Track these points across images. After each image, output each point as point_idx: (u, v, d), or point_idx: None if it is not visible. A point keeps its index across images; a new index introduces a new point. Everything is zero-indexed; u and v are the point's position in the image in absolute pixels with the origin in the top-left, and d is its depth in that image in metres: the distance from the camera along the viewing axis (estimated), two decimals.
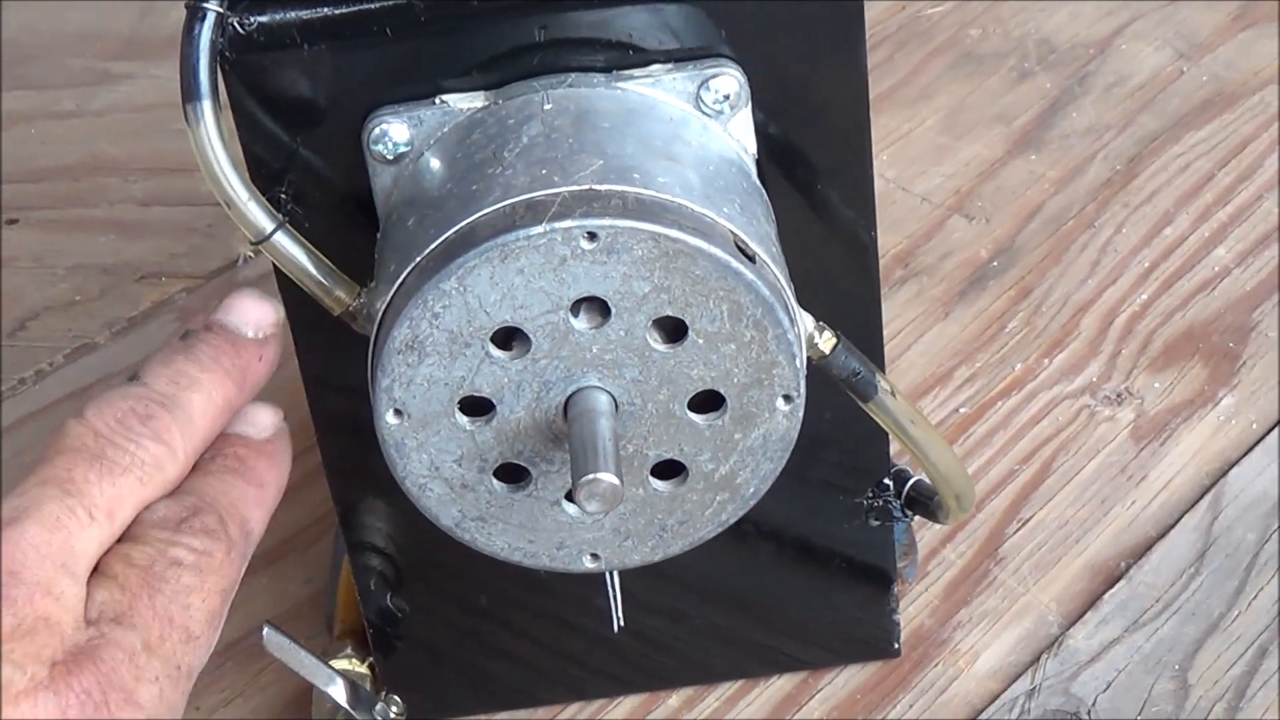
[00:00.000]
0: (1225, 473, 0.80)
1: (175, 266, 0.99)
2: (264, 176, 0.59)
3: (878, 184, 0.96)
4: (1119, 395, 0.84)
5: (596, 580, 0.67)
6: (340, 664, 0.72)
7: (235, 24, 0.57)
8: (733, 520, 0.59)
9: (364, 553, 0.70)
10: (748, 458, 0.58)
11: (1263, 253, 0.92)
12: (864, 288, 0.65)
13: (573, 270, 0.54)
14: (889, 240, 0.95)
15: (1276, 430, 0.82)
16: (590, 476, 0.53)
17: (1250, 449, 0.81)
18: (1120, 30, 1.09)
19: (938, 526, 0.78)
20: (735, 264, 0.54)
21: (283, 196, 0.60)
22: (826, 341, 0.59)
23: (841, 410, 0.63)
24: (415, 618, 0.71)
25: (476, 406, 0.57)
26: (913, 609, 0.76)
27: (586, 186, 0.54)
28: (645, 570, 0.63)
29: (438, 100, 0.59)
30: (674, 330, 0.55)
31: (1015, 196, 0.97)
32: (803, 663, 0.73)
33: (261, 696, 0.76)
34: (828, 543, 0.71)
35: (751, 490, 0.58)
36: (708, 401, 0.57)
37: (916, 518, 0.72)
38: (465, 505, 0.58)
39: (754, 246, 0.55)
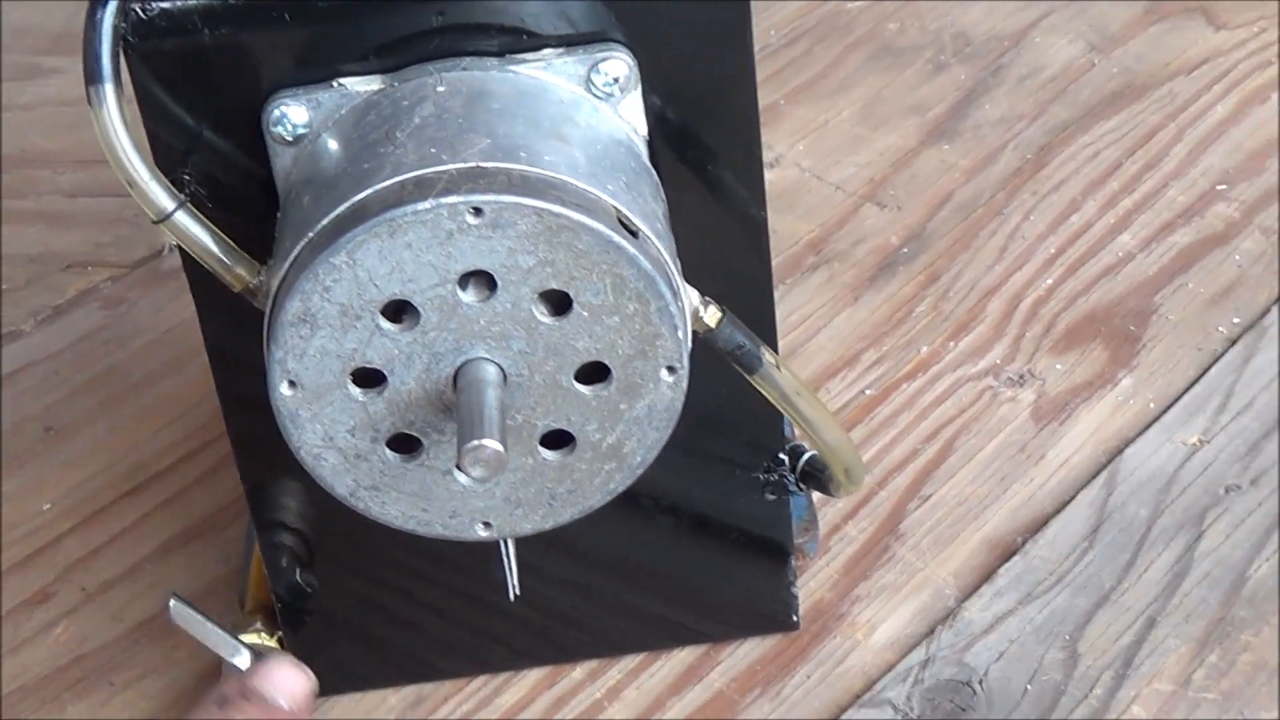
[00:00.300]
0: (1121, 451, 0.82)
1: (101, 256, 1.00)
2: (168, 158, 0.61)
3: (793, 174, 0.99)
4: (1021, 377, 0.86)
5: (499, 554, 0.69)
6: (249, 638, 0.73)
7: (138, 9, 0.59)
8: (621, 489, 0.61)
9: (273, 530, 0.72)
10: (634, 428, 0.59)
11: (1166, 238, 0.94)
12: (756, 265, 0.66)
13: (459, 244, 0.56)
14: (802, 228, 0.97)
15: (1173, 409, 0.84)
16: (474, 443, 0.55)
17: (1146, 428, 0.83)
18: (1035, 24, 1.11)
19: (841, 503, 0.80)
20: (617, 239, 0.56)
21: (186, 178, 0.62)
22: (712, 315, 0.61)
23: (737, 386, 0.65)
24: (324, 593, 0.72)
25: (368, 378, 0.58)
26: (814, 583, 0.77)
27: (473, 164, 0.56)
28: (549, 544, 0.65)
29: (335, 84, 0.60)
30: (559, 303, 0.57)
31: (927, 185, 0.99)
32: (704, 635, 0.75)
33: (175, 672, 0.78)
34: (726, 517, 0.72)
35: (638, 459, 0.60)
36: (594, 373, 0.58)
37: (818, 496, 0.74)
38: (359, 475, 0.60)
39: (638, 222, 0.57)
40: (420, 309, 0.57)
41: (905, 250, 0.95)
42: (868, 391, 0.86)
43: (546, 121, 0.59)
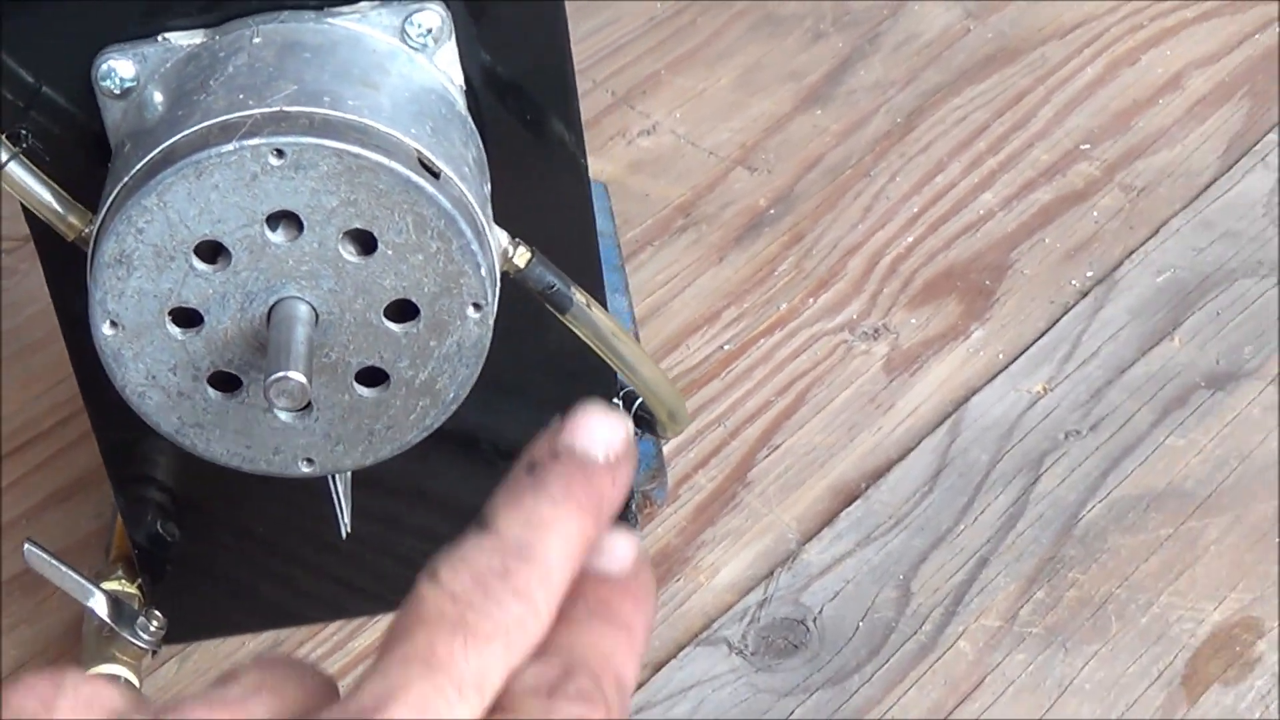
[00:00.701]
0: (967, 400, 0.84)
1: None
2: (10, 114, 0.63)
3: (668, 140, 1.01)
4: (876, 331, 0.88)
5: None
6: (110, 584, 0.75)
7: None
8: (436, 424, 0.63)
9: (132, 484, 0.74)
10: (444, 364, 0.61)
11: (1027, 196, 0.96)
12: (578, 209, 0.68)
13: (264, 186, 0.58)
14: (672, 192, 0.99)
15: (1020, 359, 0.86)
16: (279, 374, 0.57)
17: (993, 377, 0.85)
18: None
19: (692, 453, 0.82)
20: (415, 178, 0.58)
21: (23, 132, 0.64)
22: (521, 256, 0.63)
23: (568, 330, 0.67)
24: (183, 541, 0.75)
25: (187, 317, 0.60)
26: (661, 530, 0.80)
27: (277, 109, 0.58)
28: (400, 490, 0.67)
29: (161, 38, 0.62)
30: (365, 243, 0.59)
31: (798, 149, 1.01)
32: None
33: (44, 622, 0.80)
34: None
35: (451, 395, 0.62)
36: (403, 311, 0.61)
37: (670, 447, 0.76)
38: (183, 412, 0.62)
39: (440, 164, 0.59)
40: (231, 249, 0.59)
41: (772, 212, 0.97)
42: (726, 347, 0.89)
43: (356, 70, 0.61)
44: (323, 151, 0.57)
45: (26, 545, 0.70)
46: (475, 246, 0.59)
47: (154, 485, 0.74)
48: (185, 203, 0.58)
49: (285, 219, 0.59)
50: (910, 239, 0.94)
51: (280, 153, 0.57)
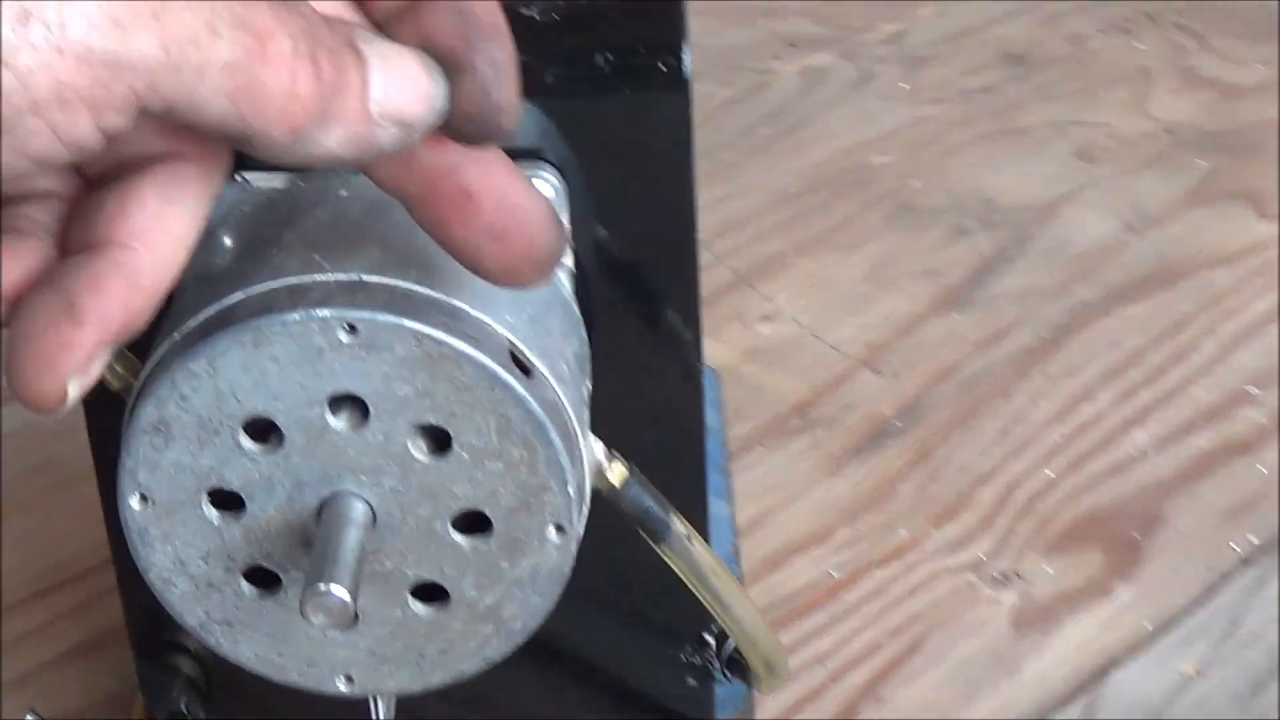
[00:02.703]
0: (1107, 672, 0.74)
1: None
2: None
3: (790, 330, 0.92)
4: (1005, 575, 0.79)
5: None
6: None
7: None
8: (499, 657, 0.53)
9: (158, 653, 0.65)
10: (515, 589, 0.52)
11: (1184, 439, 0.86)
12: (688, 414, 0.60)
13: (330, 363, 0.49)
14: (789, 388, 0.90)
15: (1171, 632, 0.76)
16: (321, 587, 0.48)
17: (1139, 649, 0.75)
18: (1070, 195, 1.05)
19: (784, 696, 0.72)
20: (504, 375, 0.49)
21: None
22: (617, 473, 0.54)
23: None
24: None
25: (227, 500, 0.51)
26: None
27: (355, 276, 0.50)
28: (453, 697, 0.58)
29: (239, 177, 0.54)
30: (439, 440, 0.50)
31: (931, 355, 0.92)
32: None
33: None
34: (645, 689, 0.65)
35: (519, 625, 0.53)
36: (474, 523, 0.51)
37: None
38: (211, 606, 0.53)
39: (534, 359, 0.50)
40: (285, 430, 0.50)
41: (898, 422, 0.87)
42: (834, 573, 0.79)
43: None
44: (400, 332, 0.48)
45: (28, 716, 0.62)
46: (564, 460, 0.50)
47: (183, 656, 0.66)
48: (239, 372, 0.49)
49: (350, 403, 0.50)
50: (1050, 472, 0.84)
51: (352, 328, 0.48)
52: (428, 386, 0.49)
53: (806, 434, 0.87)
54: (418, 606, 0.52)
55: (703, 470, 0.60)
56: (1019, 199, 1.04)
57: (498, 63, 0.44)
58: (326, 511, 0.51)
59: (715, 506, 0.79)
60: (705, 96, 1.18)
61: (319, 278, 0.49)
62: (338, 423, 0.50)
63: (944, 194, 1.05)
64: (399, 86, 0.43)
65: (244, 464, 0.50)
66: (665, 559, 0.55)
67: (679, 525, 0.54)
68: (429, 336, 0.48)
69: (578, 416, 0.52)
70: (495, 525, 0.51)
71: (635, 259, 0.57)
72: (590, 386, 0.56)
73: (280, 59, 0.39)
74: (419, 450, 0.50)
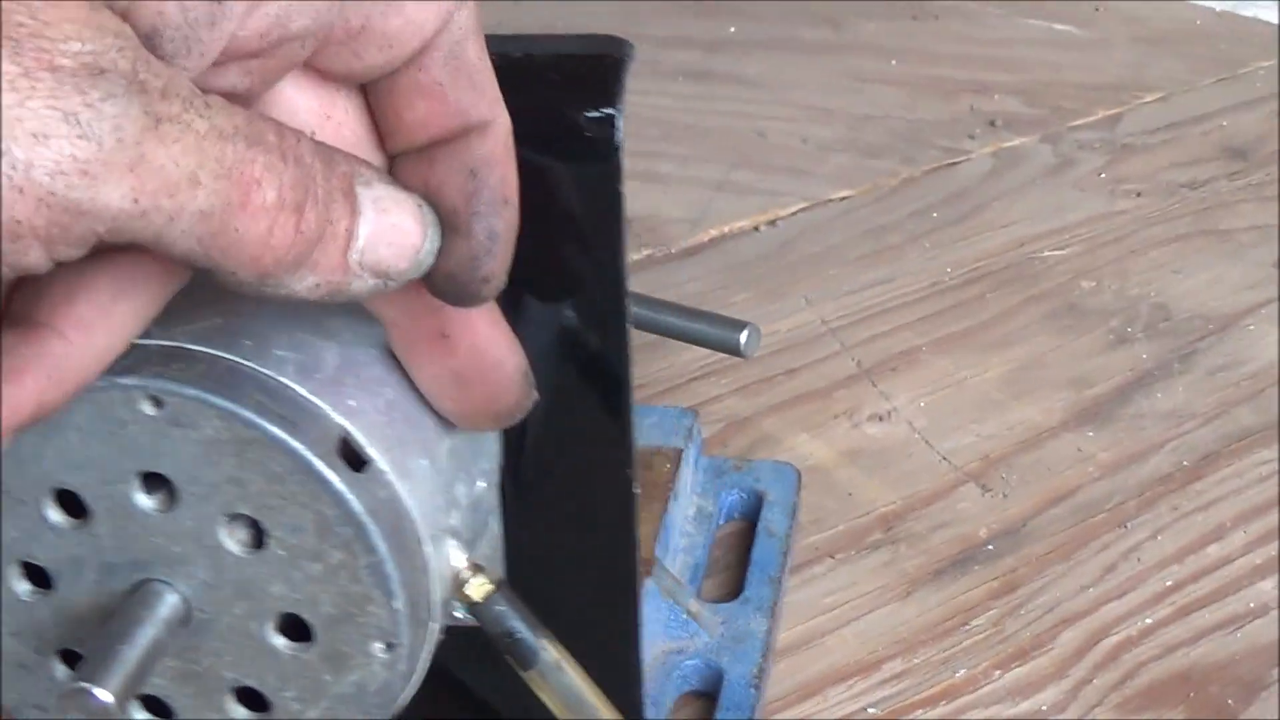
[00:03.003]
0: None
1: None
2: None
3: (900, 432, 0.84)
4: None
5: None
6: None
7: None
8: None
9: None
10: (340, 707, 0.46)
11: None
12: (621, 524, 0.53)
13: (134, 438, 0.43)
14: (881, 497, 0.82)
15: None
16: (82, 685, 0.42)
17: None
18: (1256, 309, 0.95)
19: None
20: (319, 467, 0.43)
21: None
22: (478, 588, 0.47)
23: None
24: None
25: (37, 576, 0.46)
26: None
27: (177, 344, 0.44)
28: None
29: None
30: (256, 534, 0.44)
31: (1050, 475, 0.83)
32: None
33: None
34: None
35: None
36: (295, 629, 0.46)
37: None
38: (25, 689, 0.48)
39: (373, 452, 0.44)
40: (91, 506, 0.45)
41: (990, 547, 0.79)
42: (871, 710, 0.70)
43: (321, 314, 0.46)
44: (205, 410, 0.43)
45: None
46: (391, 569, 0.44)
47: None
48: (40, 439, 0.44)
49: (161, 483, 0.44)
50: (1149, 619, 0.74)
51: (158, 402, 0.43)
52: (238, 473, 0.43)
53: (885, 549, 0.78)
54: (238, 712, 0.46)
55: (635, 603, 0.53)
56: (1198, 308, 0.95)
57: (495, 234, 0.43)
58: (128, 600, 0.45)
59: (753, 621, 0.72)
60: (883, 174, 1.11)
61: (140, 340, 0.44)
62: (146, 503, 0.44)
63: (1115, 296, 0.96)
64: (386, 239, 0.41)
65: (51, 539, 0.45)
66: (534, 690, 0.48)
67: (551, 651, 0.47)
68: (238, 417, 0.43)
69: (431, 520, 0.45)
70: (316, 634, 0.45)
71: (563, 332, 0.50)
72: (486, 484, 0.49)
73: (260, 210, 0.38)
74: (233, 542, 0.44)
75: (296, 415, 0.43)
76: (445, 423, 0.47)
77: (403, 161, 0.43)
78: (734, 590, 0.75)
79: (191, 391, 0.43)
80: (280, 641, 0.45)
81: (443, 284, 0.43)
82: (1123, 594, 0.76)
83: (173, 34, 0.37)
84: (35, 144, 0.34)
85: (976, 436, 0.85)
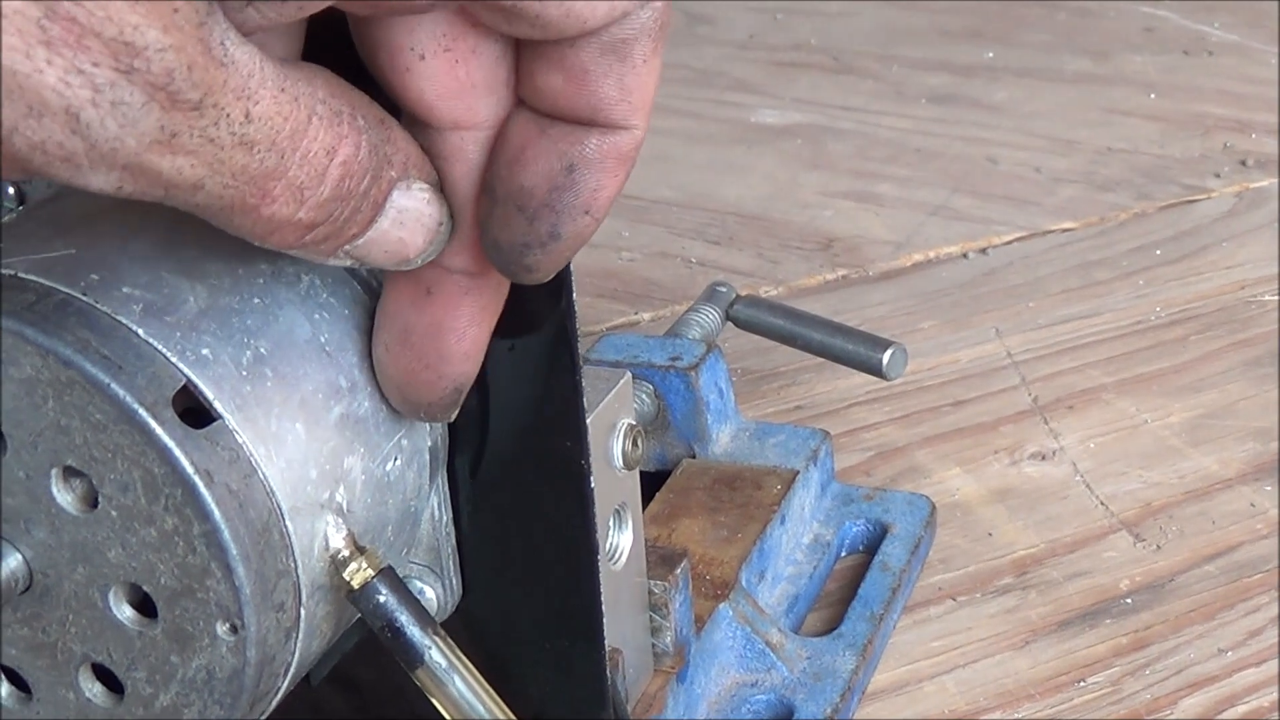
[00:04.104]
0: None
1: None
2: None
3: (1061, 473, 0.78)
4: None
5: None
6: None
7: None
8: None
9: None
10: (191, 693, 0.42)
11: None
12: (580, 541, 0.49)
13: None
14: (1022, 540, 0.75)
15: None
16: None
17: None
18: None
19: None
20: (144, 415, 0.39)
21: None
22: (356, 573, 0.43)
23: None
24: None
25: None
26: None
27: (11, 272, 0.41)
28: None
29: None
30: (89, 492, 0.41)
31: (1212, 530, 0.75)
32: None
33: None
34: None
35: None
36: (142, 602, 0.42)
37: None
38: None
39: (218, 407, 0.40)
40: None
41: (1129, 600, 0.71)
42: None
43: (196, 252, 0.43)
44: (22, 346, 0.39)
45: None
46: (227, 539, 0.40)
47: None
48: None
49: None
50: None
51: None
52: (60, 419, 0.40)
53: (1014, 595, 0.72)
54: (91, 690, 0.43)
55: (593, 591, 0.49)
56: None
57: (558, 235, 0.40)
58: None
59: (840, 659, 0.66)
60: (1112, 208, 1.03)
61: None
62: None
63: None
64: (385, 246, 0.39)
65: None
66: (425, 694, 0.43)
67: (440, 654, 0.43)
68: (56, 354, 0.39)
69: (298, 492, 0.41)
70: (159, 608, 0.41)
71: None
72: (403, 465, 0.45)
73: (266, 218, 0.36)
74: (67, 498, 0.41)
75: (126, 358, 0.40)
76: (352, 391, 0.43)
77: (521, 113, 0.39)
78: (836, 627, 0.69)
79: (10, 324, 0.39)
80: (125, 614, 0.42)
81: (488, 248, 0.40)
82: (1262, 661, 0.68)
83: None
84: (28, 116, 0.32)
85: (1142, 483, 0.78)
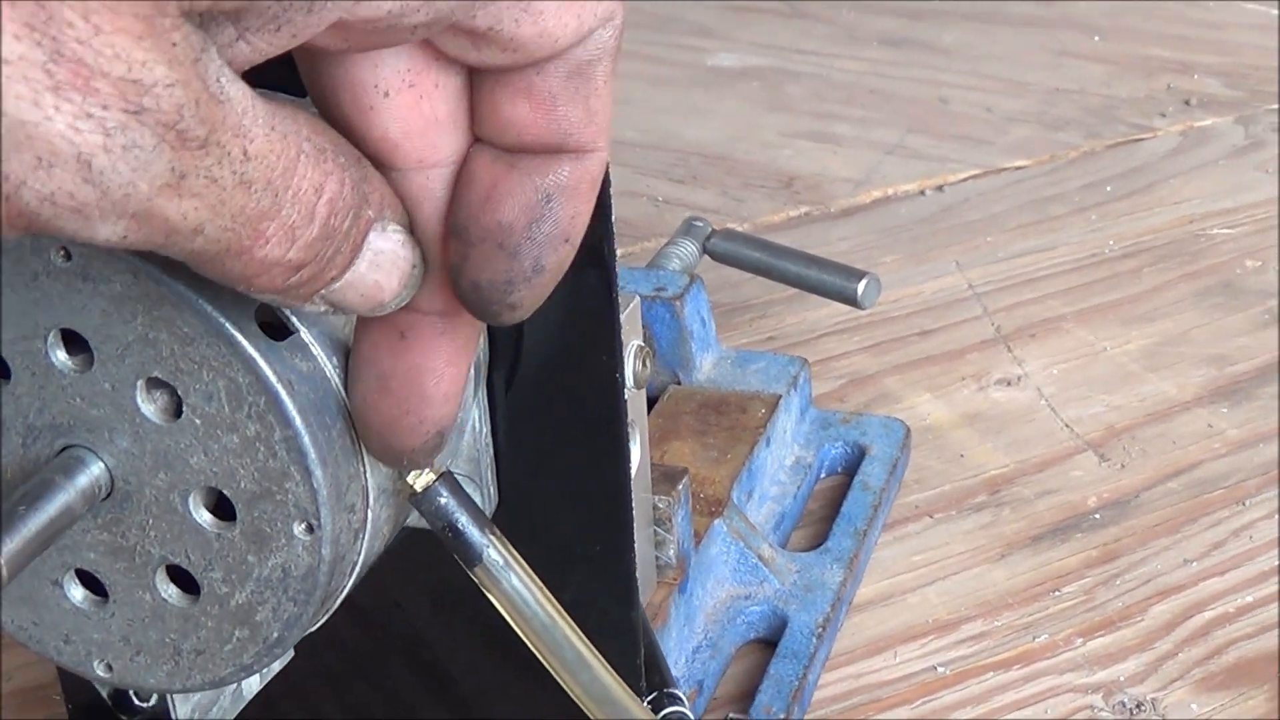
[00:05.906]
0: None
1: None
2: None
3: (1026, 398, 0.81)
4: (1139, 705, 0.66)
5: None
6: None
7: None
8: (257, 666, 0.46)
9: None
10: (266, 591, 0.45)
11: None
12: (611, 449, 0.51)
13: (46, 291, 0.43)
14: (993, 460, 0.79)
15: None
16: None
17: None
18: None
19: None
20: (230, 329, 0.42)
21: None
22: (418, 477, 0.46)
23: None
24: None
25: None
26: None
27: None
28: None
29: None
30: (174, 400, 0.44)
31: (1173, 449, 0.79)
32: None
33: None
34: None
35: (275, 635, 0.46)
36: (217, 505, 0.45)
37: None
38: None
39: (298, 323, 0.43)
40: (9, 363, 0.44)
41: (1097, 516, 0.75)
42: (940, 670, 0.68)
43: None
44: (115, 264, 0.42)
45: None
46: (307, 444, 0.43)
47: None
48: None
49: (75, 340, 0.44)
50: (1249, 598, 0.71)
51: (67, 254, 0.42)
52: (149, 333, 0.42)
53: (987, 512, 0.76)
54: (167, 591, 0.46)
55: (625, 507, 0.52)
56: None
57: (542, 268, 0.39)
58: (48, 466, 0.45)
59: (828, 573, 0.69)
60: (1064, 147, 1.07)
61: None
62: (63, 361, 0.44)
63: (1276, 277, 0.91)
64: (360, 290, 0.39)
65: None
66: (484, 592, 0.46)
67: (499, 549, 0.46)
68: (146, 271, 0.42)
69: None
70: (238, 511, 0.44)
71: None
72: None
73: (258, 261, 0.36)
74: (151, 408, 0.43)
75: None
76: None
77: (482, 151, 0.39)
78: (821, 543, 0.72)
79: None
80: (204, 517, 0.44)
81: (467, 291, 0.40)
82: (1225, 571, 0.72)
83: (263, 9, 0.34)
84: (37, 168, 0.31)
85: (1104, 406, 0.82)
